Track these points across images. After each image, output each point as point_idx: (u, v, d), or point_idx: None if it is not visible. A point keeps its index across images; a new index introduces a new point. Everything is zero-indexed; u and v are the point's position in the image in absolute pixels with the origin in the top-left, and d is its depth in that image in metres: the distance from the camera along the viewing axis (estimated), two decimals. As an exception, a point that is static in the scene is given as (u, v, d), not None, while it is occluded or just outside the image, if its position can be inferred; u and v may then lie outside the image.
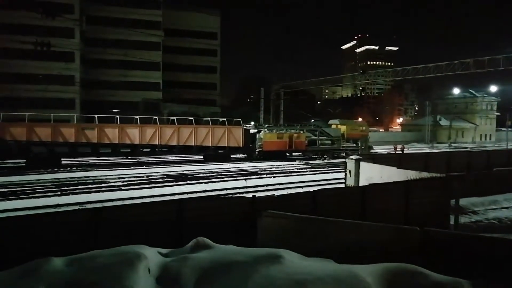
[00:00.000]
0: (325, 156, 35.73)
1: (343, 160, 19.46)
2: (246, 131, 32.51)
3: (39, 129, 26.83)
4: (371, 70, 59.70)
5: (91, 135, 27.84)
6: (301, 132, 35.28)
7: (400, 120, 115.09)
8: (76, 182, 20.68)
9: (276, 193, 15.02)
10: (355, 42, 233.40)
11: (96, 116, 29.86)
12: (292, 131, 35.04)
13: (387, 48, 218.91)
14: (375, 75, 52.26)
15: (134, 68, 52.37)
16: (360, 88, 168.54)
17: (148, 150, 30.31)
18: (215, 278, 5.06)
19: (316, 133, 36.64)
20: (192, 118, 32.20)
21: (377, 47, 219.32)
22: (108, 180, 21.30)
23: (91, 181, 21.13)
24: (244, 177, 22.89)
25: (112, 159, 31.08)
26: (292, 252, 6.20)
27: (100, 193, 17.73)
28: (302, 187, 19.42)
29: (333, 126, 40.52)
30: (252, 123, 41.79)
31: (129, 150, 29.62)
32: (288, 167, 29.27)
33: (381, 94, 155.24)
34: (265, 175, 24.33)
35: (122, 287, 4.50)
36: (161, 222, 8.03)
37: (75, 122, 28.77)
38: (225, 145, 31.26)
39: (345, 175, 16.66)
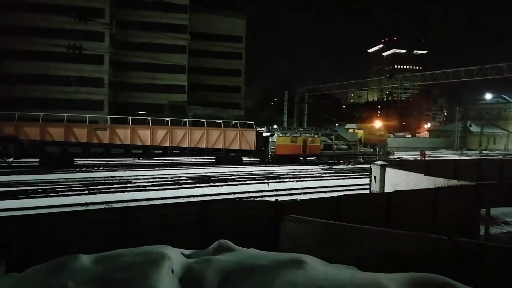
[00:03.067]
0: (341, 161, 35.09)
1: (368, 165, 19.13)
2: (259, 134, 32.33)
3: (52, 129, 27.11)
4: (398, 74, 58.46)
5: (103, 136, 28.04)
6: (316, 136, 34.79)
7: (428, 125, 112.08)
8: (103, 181, 21.24)
9: (299, 197, 14.92)
10: (382, 45, 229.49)
11: (108, 117, 30.20)
12: (307, 135, 34.59)
13: (415, 51, 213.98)
14: (402, 79, 51.13)
15: (160, 71, 53.45)
16: (387, 92, 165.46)
17: (160, 151, 30.32)
18: (238, 281, 5.06)
19: (332, 138, 36.12)
20: (204, 120, 32.26)
21: (404, 51, 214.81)
22: (133, 181, 21.76)
23: (117, 181, 21.65)
24: (267, 181, 22.86)
25: (139, 161, 31.72)
26: (315, 258, 6.12)
27: (126, 193, 18.13)
28: (325, 192, 19.21)
29: (350, 130, 39.75)
30: (275, 126, 41.69)
31: (141, 152, 29.80)
32: (312, 171, 29.02)
33: (409, 98, 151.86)
34: (287, 179, 24.21)
35: (146, 286, 4.57)
36: (185, 223, 8.11)
37: (87, 123, 28.68)
38: (236, 148, 31.16)
39: (370, 181, 16.36)
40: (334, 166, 32.84)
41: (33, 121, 28.10)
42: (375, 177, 15.82)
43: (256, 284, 5.00)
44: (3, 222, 7.13)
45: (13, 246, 6.64)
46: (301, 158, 34.21)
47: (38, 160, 27.34)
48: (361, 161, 35.52)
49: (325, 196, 14.36)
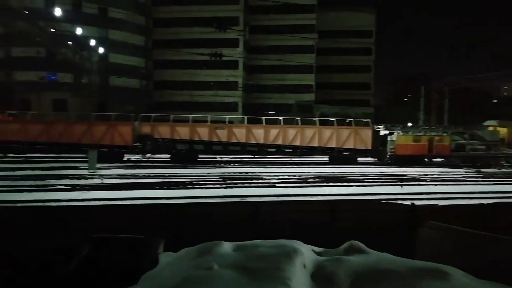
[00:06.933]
0: (478, 163, 30.16)
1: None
2: (376, 133, 30.45)
3: (180, 129, 30.07)
4: None
5: (222, 134, 30.02)
6: (445, 135, 30.77)
7: None
8: (238, 176, 23.02)
9: (438, 202, 13.58)
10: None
11: (227, 117, 32.32)
12: (433, 133, 30.91)
13: None
14: None
15: (289, 72, 55.06)
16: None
17: (274, 150, 30.90)
18: (371, 284, 4.93)
19: (465, 137, 31.45)
20: (317, 118, 31.61)
21: None
22: (264, 177, 22.97)
23: (250, 176, 23.17)
24: (400, 183, 21.42)
25: (262, 158, 33.11)
26: (459, 270, 5.52)
27: (258, 188, 19.28)
28: (470, 198, 16.99)
29: (490, 128, 34.03)
30: (410, 124, 38.58)
31: (256, 150, 30.87)
32: (454, 174, 26.03)
33: None
34: (424, 182, 22.22)
35: (281, 277, 4.83)
36: (313, 221, 8.26)
37: (209, 123, 30.95)
38: (351, 147, 29.87)
39: (531, 188, 13.82)
40: (483, 170, 28.69)
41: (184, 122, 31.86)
42: (538, 183, 13.30)
43: (391, 289, 4.79)
44: (167, 209, 8.44)
45: (168, 229, 7.80)
46: (425, 160, 30.96)
47: (169, 156, 30.78)
48: (504, 164, 30.26)
49: (470, 203, 12.76)
